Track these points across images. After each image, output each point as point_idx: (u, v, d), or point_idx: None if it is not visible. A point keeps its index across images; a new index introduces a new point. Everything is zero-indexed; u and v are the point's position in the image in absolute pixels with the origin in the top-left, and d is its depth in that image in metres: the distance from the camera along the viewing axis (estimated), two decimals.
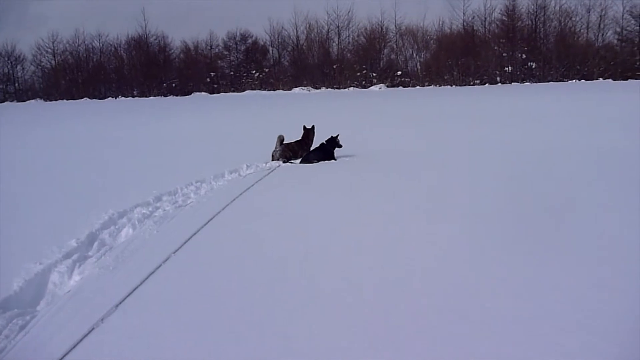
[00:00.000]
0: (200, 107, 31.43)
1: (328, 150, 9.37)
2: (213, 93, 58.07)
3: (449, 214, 5.37)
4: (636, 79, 50.54)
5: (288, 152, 9.57)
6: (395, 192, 6.56)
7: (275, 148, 9.55)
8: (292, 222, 5.38)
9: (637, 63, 55.35)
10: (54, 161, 10.93)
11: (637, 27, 55.56)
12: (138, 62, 61.61)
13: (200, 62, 63.08)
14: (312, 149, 9.62)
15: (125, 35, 62.94)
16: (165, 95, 57.77)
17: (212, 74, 61.72)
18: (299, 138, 9.92)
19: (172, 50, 64.99)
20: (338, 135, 9.59)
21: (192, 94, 57.09)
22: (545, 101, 23.90)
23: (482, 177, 7.24)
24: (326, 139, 9.49)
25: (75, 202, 6.65)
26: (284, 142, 9.62)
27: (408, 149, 10.49)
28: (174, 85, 59.93)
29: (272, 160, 9.39)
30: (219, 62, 65.63)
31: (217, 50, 65.59)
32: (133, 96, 58.52)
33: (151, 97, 55.67)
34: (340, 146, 9.54)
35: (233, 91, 59.08)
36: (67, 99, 55.96)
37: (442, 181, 7.13)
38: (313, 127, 10.03)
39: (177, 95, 56.93)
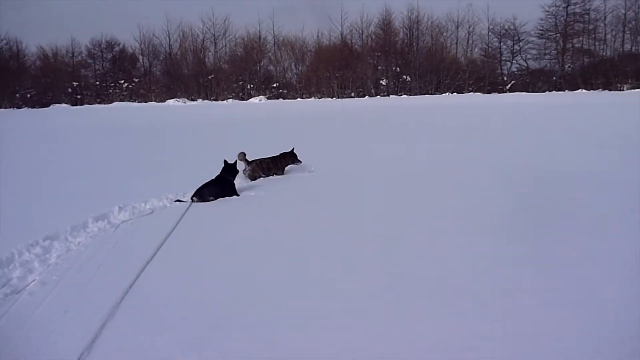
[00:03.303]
0: (53, 121, 27.51)
1: (227, 181, 7.13)
2: (76, 104, 52.81)
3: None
4: (499, 92, 53.71)
5: (257, 172, 8.36)
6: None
7: (245, 168, 8.20)
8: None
9: (499, 78, 59.13)
10: None
11: (499, 45, 59.28)
12: None
13: (60, 71, 57.23)
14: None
15: None
16: (19, 107, 51.40)
17: (75, 83, 56.28)
18: (275, 155, 8.72)
19: (27, 57, 58.59)
20: (293, 149, 8.72)
21: (51, 106, 51.41)
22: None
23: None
24: (227, 164, 7.25)
25: None
26: (254, 160, 8.36)
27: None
28: (28, 95, 53.59)
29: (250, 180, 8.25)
30: (83, 70, 60.24)
31: (79, 58, 60.17)
32: None
33: (1, 109, 49.14)
34: (299, 162, 8.72)
35: (99, 102, 54.27)
36: None
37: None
38: (292, 149, 8.80)
39: (33, 107, 50.88)
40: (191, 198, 6.66)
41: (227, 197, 6.88)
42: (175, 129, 19.70)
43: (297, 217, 5.83)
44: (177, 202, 6.62)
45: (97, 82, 58.44)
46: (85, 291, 3.90)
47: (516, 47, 58.85)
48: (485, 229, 5.02)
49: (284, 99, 54.57)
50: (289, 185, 7.76)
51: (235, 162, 7.37)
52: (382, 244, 4.70)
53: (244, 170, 8.30)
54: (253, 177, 8.35)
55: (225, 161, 7.21)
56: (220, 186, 6.96)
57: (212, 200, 6.72)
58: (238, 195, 7.00)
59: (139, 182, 8.12)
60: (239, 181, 7.77)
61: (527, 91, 51.51)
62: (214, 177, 7.07)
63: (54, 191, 7.86)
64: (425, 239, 4.79)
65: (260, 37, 59.58)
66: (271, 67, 60.19)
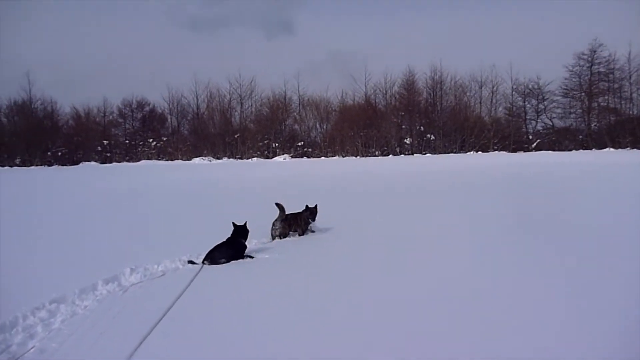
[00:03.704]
0: (82, 179, 28.02)
1: (239, 243, 6.89)
2: (105, 162, 54.02)
3: None
4: (525, 151, 53.38)
5: (286, 228, 8.10)
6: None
7: (274, 224, 8.03)
8: None
9: (524, 137, 58.88)
10: None
11: (523, 104, 59.43)
12: (20, 128, 56.28)
13: (92, 130, 58.96)
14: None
15: (6, 99, 58.03)
16: (50, 165, 52.80)
17: (105, 142, 57.78)
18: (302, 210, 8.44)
19: (61, 117, 60.70)
20: (316, 205, 8.37)
21: (81, 164, 52.68)
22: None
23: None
24: (237, 226, 7.05)
25: None
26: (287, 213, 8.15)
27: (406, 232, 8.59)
28: (59, 153, 55.06)
29: (272, 239, 7.98)
30: (113, 129, 61.97)
31: (111, 117, 62.10)
32: (12, 165, 52.89)
33: (32, 167, 50.48)
34: (313, 219, 8.34)
35: (127, 160, 55.45)
36: None
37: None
38: (316, 206, 8.45)
39: (63, 165, 52.22)
40: (202, 262, 6.49)
41: (240, 260, 6.71)
42: (196, 188, 19.83)
43: (311, 280, 5.61)
44: (190, 264, 6.47)
45: (127, 141, 59.92)
46: None
47: (541, 106, 58.95)
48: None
49: (308, 157, 55.00)
50: (305, 247, 7.56)
51: (245, 224, 7.16)
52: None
53: (273, 227, 8.04)
54: (283, 234, 8.08)
55: (234, 223, 7.06)
56: (232, 248, 6.77)
57: (224, 262, 6.54)
58: (252, 257, 6.82)
59: (154, 243, 8.02)
60: (255, 242, 7.62)
61: (553, 149, 51.04)
62: (225, 240, 6.91)
63: (66, 251, 7.79)
64: (442, 304, 4.52)
65: (285, 97, 60.94)
66: (296, 126, 61.14)
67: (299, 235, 8.24)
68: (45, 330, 4.41)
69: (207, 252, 6.61)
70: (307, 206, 8.34)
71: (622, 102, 54.85)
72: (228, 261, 6.57)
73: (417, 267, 5.95)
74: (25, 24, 77.39)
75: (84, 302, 5.15)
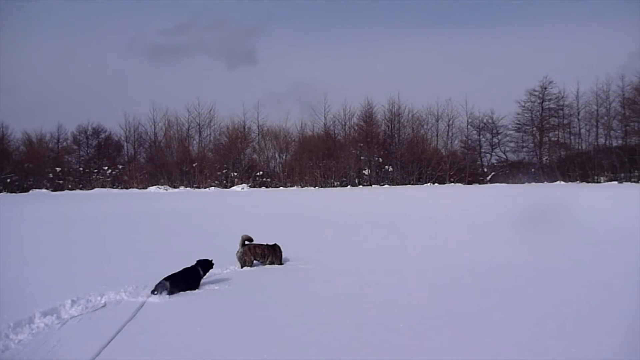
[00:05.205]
0: (30, 206, 27.05)
1: (198, 275, 6.73)
2: (57, 190, 52.43)
3: None
4: (480, 183, 54.60)
5: (249, 256, 8.05)
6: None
7: (237, 250, 8.09)
8: None
9: (480, 169, 60.28)
10: None
11: (478, 137, 60.96)
12: None
13: (44, 156, 57.28)
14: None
15: None
16: None
17: (58, 169, 56.16)
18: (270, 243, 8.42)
19: (11, 142, 58.83)
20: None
21: (30, 191, 50.99)
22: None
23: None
24: (204, 260, 6.95)
25: None
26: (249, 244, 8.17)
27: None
28: (8, 180, 53.15)
29: (241, 266, 8.05)
30: (67, 156, 60.37)
31: (65, 144, 60.57)
32: None
33: None
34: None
35: (80, 188, 53.98)
36: None
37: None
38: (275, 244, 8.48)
39: (12, 192, 50.43)
40: (153, 292, 6.25)
41: (187, 291, 6.51)
42: (148, 217, 19.41)
43: (257, 313, 5.47)
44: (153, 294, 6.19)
45: (81, 168, 58.38)
46: None
47: (495, 139, 60.56)
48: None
49: (267, 187, 54.76)
50: (259, 279, 7.42)
51: (211, 260, 7.04)
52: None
53: (237, 252, 8.07)
54: (243, 262, 8.02)
55: (198, 260, 6.93)
56: (193, 278, 6.64)
57: (175, 292, 6.33)
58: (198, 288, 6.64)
59: (99, 273, 7.72)
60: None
61: (507, 182, 52.33)
62: (184, 269, 6.71)
63: (6, 280, 7.42)
64: (405, 326, 4.46)
65: (244, 126, 60.69)
66: (255, 156, 60.85)
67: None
68: None
69: (163, 279, 6.36)
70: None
71: (572, 137, 56.92)
72: (179, 291, 6.37)
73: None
74: None
75: (18, 336, 4.88)
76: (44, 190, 51.57)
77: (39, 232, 14.53)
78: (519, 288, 6.33)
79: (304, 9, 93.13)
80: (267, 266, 8.16)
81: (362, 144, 58.59)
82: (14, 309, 5.55)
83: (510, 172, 57.84)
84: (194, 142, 60.88)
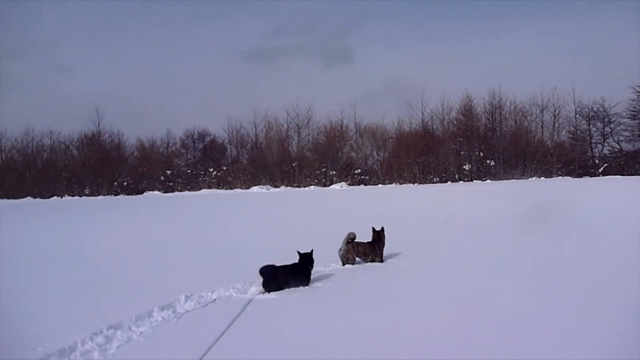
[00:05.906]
0: (144, 209, 28.93)
1: (307, 270, 6.89)
2: (167, 192, 55.76)
3: None
4: (590, 176, 51.28)
5: (352, 254, 8.20)
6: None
7: (340, 247, 8.26)
8: None
9: (590, 161, 56.59)
10: None
11: (588, 127, 57.24)
12: (89, 160, 59.18)
13: (156, 160, 61.17)
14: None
15: (78, 133, 61.39)
16: (116, 194, 55.07)
17: (168, 172, 59.71)
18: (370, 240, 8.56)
19: (127, 148, 63.44)
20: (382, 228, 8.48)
21: (145, 193, 54.66)
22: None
23: None
24: (304, 253, 7.03)
25: None
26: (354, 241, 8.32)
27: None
28: (125, 183, 57.37)
29: (343, 263, 8.25)
30: (176, 160, 64.04)
31: (174, 148, 64.28)
32: (82, 195, 55.46)
33: (100, 197, 52.76)
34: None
35: (189, 190, 57.01)
36: (9, 198, 52.34)
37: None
38: (382, 228, 8.56)
39: (128, 194, 54.37)
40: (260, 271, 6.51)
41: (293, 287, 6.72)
42: (253, 216, 20.12)
43: (365, 311, 5.54)
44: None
45: (189, 171, 61.65)
46: None
47: (607, 128, 56.45)
48: None
49: (365, 185, 54.84)
50: (361, 278, 7.50)
51: (312, 251, 7.17)
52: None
53: (340, 249, 8.21)
54: (346, 259, 8.15)
55: (299, 252, 7.09)
56: (302, 274, 6.84)
57: (286, 288, 6.56)
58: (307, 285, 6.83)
59: (209, 271, 8.17)
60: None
61: (622, 174, 48.74)
62: (292, 264, 6.91)
63: (126, 279, 8.04)
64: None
65: (342, 125, 61.18)
66: (353, 154, 61.12)
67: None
68: (102, 355, 4.56)
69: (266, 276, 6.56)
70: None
71: None
72: (289, 287, 6.59)
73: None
74: (94, 64, 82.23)
75: (139, 328, 5.29)
76: (156, 192, 54.99)
77: (147, 232, 15.55)
78: None
79: (397, 7, 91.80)
80: (368, 264, 8.24)
81: (461, 139, 56.98)
82: (135, 304, 6.02)
83: (626, 163, 53.74)
84: (293, 142, 62.33)
